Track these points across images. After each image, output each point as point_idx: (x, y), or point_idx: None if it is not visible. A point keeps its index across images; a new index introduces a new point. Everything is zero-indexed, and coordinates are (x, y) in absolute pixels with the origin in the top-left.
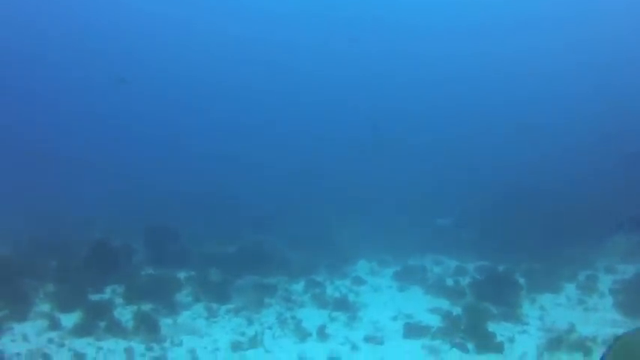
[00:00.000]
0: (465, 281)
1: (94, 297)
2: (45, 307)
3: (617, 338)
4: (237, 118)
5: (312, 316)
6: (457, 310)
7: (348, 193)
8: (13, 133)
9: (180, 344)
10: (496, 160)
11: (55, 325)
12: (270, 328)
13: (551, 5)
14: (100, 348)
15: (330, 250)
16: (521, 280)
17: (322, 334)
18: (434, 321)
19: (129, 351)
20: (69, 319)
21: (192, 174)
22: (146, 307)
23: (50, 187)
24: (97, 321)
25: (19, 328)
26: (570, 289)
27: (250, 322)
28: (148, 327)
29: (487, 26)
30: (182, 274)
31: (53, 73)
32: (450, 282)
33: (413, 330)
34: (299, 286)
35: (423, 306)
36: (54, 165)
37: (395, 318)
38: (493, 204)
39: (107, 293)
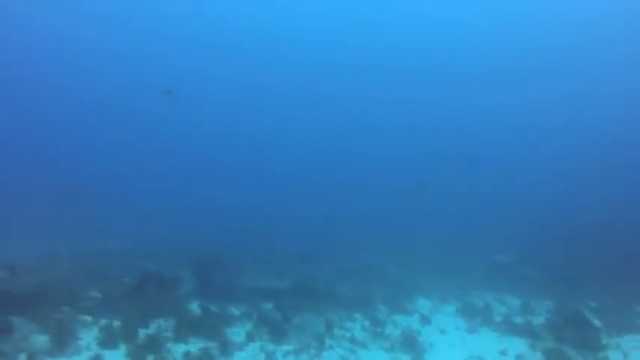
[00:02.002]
0: (536, 321)
1: (141, 331)
2: (88, 342)
3: None
4: (284, 156)
5: (377, 359)
6: (534, 354)
7: (398, 228)
8: (54, 164)
9: None
10: (555, 196)
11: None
12: None
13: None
14: None
15: (384, 285)
16: (597, 322)
17: None
18: None
19: None
20: (114, 357)
21: (238, 207)
22: (197, 345)
23: (93, 216)
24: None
25: None
26: None
27: None
28: None
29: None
30: (233, 309)
31: (94, 103)
32: (519, 321)
33: None
34: (359, 324)
35: (494, 347)
36: (97, 195)
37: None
38: (553, 239)
39: (153, 328)
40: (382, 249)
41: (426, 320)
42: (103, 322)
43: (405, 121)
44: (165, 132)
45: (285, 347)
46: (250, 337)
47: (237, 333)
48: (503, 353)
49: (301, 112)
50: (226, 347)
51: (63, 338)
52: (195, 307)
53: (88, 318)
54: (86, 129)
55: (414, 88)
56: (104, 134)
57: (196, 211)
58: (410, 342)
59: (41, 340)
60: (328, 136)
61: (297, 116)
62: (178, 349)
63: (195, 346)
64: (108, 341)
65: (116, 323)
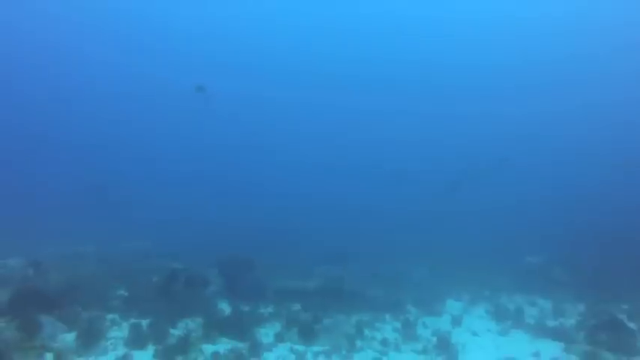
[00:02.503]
0: (569, 323)
1: (169, 331)
2: (115, 341)
3: None
4: (312, 157)
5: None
6: (568, 357)
7: (427, 229)
8: (81, 163)
9: None
10: (585, 198)
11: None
12: None
13: None
14: None
15: (412, 287)
16: (632, 325)
17: None
18: None
19: None
20: (142, 357)
21: (264, 207)
22: (225, 345)
23: (119, 215)
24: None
25: None
26: None
27: None
28: None
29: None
30: (261, 310)
31: (121, 104)
32: (551, 324)
33: None
34: (389, 326)
35: (526, 350)
36: (124, 194)
37: None
38: (584, 241)
39: (181, 328)
40: (411, 250)
41: (456, 322)
42: (131, 321)
43: (436, 124)
44: (191, 131)
45: (316, 348)
46: (279, 338)
47: (265, 334)
48: (536, 355)
49: (330, 112)
50: (255, 348)
51: (90, 337)
52: (222, 307)
53: (116, 317)
54: (114, 130)
55: (445, 93)
56: (130, 134)
57: (222, 211)
58: (442, 344)
59: (68, 339)
60: (356, 137)
61: (325, 116)
62: (207, 349)
63: (223, 346)
64: (136, 341)
65: (144, 322)
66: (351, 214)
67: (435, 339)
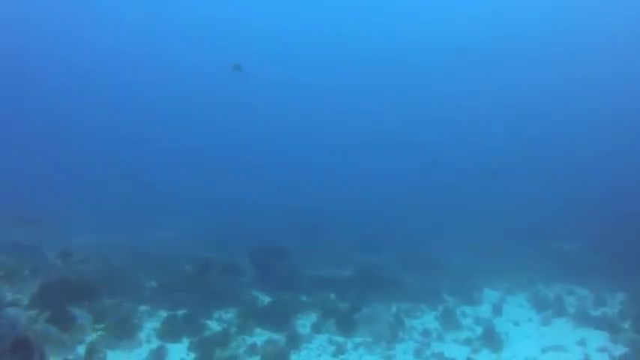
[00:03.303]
0: (611, 312)
1: (204, 322)
2: (148, 333)
3: None
4: (344, 142)
5: (453, 352)
6: (615, 346)
7: (459, 217)
8: (110, 152)
9: None
10: (623, 182)
11: (161, 356)
12: None
13: None
14: None
15: (448, 275)
16: None
17: None
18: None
19: None
20: (177, 350)
21: (295, 194)
22: (262, 337)
23: (149, 204)
24: (212, 353)
25: (119, 357)
26: None
27: None
28: None
29: None
30: (296, 300)
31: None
32: (593, 312)
33: None
34: (429, 315)
35: (571, 338)
36: (154, 183)
37: (544, 351)
38: (620, 227)
39: (216, 319)
40: (445, 236)
41: (497, 311)
42: (164, 312)
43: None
44: (223, 119)
45: (355, 339)
46: (317, 329)
47: (302, 325)
48: (581, 344)
49: (361, 95)
50: (293, 339)
51: (123, 329)
52: (257, 297)
53: (148, 308)
54: (143, 119)
55: (484, 70)
56: (161, 123)
57: (253, 199)
58: (486, 334)
59: (100, 331)
60: (391, 119)
61: (356, 99)
62: (244, 341)
63: (260, 337)
64: (169, 333)
65: (177, 314)
66: (385, 200)
67: (478, 329)
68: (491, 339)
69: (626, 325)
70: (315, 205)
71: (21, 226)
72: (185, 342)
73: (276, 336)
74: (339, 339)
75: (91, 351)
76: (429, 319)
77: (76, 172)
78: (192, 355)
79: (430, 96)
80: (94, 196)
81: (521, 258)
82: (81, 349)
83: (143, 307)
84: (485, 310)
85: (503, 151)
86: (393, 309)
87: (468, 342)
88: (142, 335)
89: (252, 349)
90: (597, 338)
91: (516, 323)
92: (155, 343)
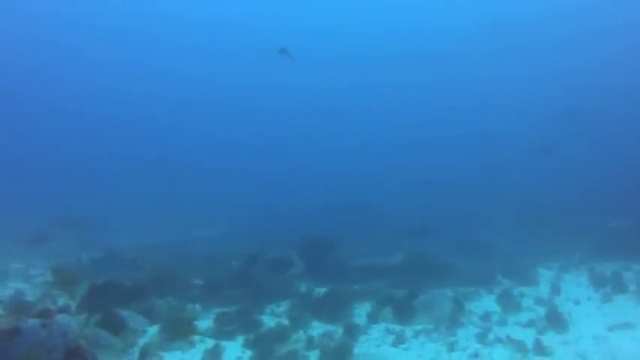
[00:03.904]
0: None
1: (257, 318)
2: (201, 332)
3: None
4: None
5: (518, 334)
6: None
7: (504, 197)
8: (150, 150)
9: None
10: None
11: (217, 355)
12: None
13: None
14: None
15: (499, 257)
16: None
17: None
18: None
19: None
20: (233, 348)
21: (339, 184)
22: (318, 330)
23: (191, 202)
24: (271, 350)
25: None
26: None
27: (451, 348)
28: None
29: None
30: (348, 290)
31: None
32: None
33: None
34: (486, 299)
35: (637, 315)
36: (196, 179)
37: (611, 329)
38: None
39: (269, 313)
40: (492, 218)
41: (555, 291)
42: (214, 310)
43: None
44: (264, 108)
45: (414, 327)
46: (373, 319)
47: (357, 315)
48: None
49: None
50: (351, 330)
51: (175, 330)
52: (309, 289)
53: (197, 307)
54: (183, 112)
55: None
56: (199, 117)
57: (297, 188)
58: (549, 315)
59: (151, 333)
60: (438, 99)
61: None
62: (302, 335)
63: (316, 330)
64: (223, 331)
65: (229, 311)
66: (432, 182)
67: (540, 309)
68: (555, 320)
69: None
70: (360, 194)
71: (68, 228)
72: (240, 339)
73: (332, 327)
74: (397, 327)
75: (145, 354)
76: (487, 303)
77: (117, 172)
78: (249, 352)
79: (477, 82)
80: (136, 197)
81: (572, 235)
82: (134, 353)
83: (192, 306)
84: (542, 290)
85: (556, 127)
86: (450, 294)
87: (531, 324)
88: (195, 335)
89: (311, 343)
90: None
91: (577, 302)
92: (209, 342)
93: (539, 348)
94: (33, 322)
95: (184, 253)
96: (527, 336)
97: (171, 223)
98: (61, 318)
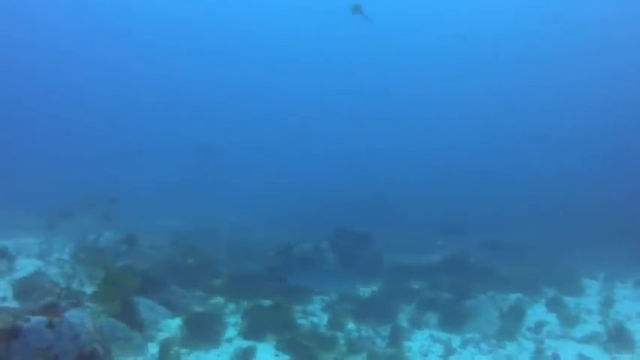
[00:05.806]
0: None
1: (290, 316)
2: (228, 329)
3: None
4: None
5: (585, 351)
6: None
7: (548, 199)
8: (177, 134)
9: None
10: None
11: (248, 354)
12: None
13: None
14: None
15: (539, 263)
16: None
17: None
18: None
19: None
20: (265, 349)
21: (375, 178)
22: (356, 333)
23: (218, 188)
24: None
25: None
26: None
27: None
28: None
29: None
30: (391, 290)
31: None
32: None
33: None
34: (538, 307)
35: None
36: (224, 166)
37: None
38: None
39: (302, 311)
40: (532, 219)
41: (607, 304)
42: (243, 304)
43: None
44: (293, 95)
45: (463, 336)
46: (415, 324)
47: (400, 318)
48: None
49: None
50: (394, 335)
51: (199, 324)
52: (342, 287)
53: (222, 301)
54: (218, 96)
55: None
56: (232, 105)
57: (332, 181)
58: (616, 332)
59: (172, 327)
60: (483, 97)
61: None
62: (342, 338)
63: (354, 334)
64: (253, 329)
65: (260, 305)
66: (469, 180)
67: (595, 323)
68: (620, 337)
69: None
70: (392, 189)
71: (92, 207)
72: (270, 339)
73: (369, 331)
74: (442, 335)
75: (166, 349)
76: (538, 313)
77: (139, 153)
78: (283, 356)
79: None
80: (159, 180)
81: (610, 241)
82: (153, 348)
83: (217, 299)
84: (593, 302)
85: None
86: (497, 300)
87: (591, 340)
88: (221, 331)
89: (353, 347)
90: None
91: (632, 316)
92: (237, 341)
93: None
94: (37, 320)
95: (211, 239)
96: (594, 353)
97: (204, 208)
98: (71, 315)
